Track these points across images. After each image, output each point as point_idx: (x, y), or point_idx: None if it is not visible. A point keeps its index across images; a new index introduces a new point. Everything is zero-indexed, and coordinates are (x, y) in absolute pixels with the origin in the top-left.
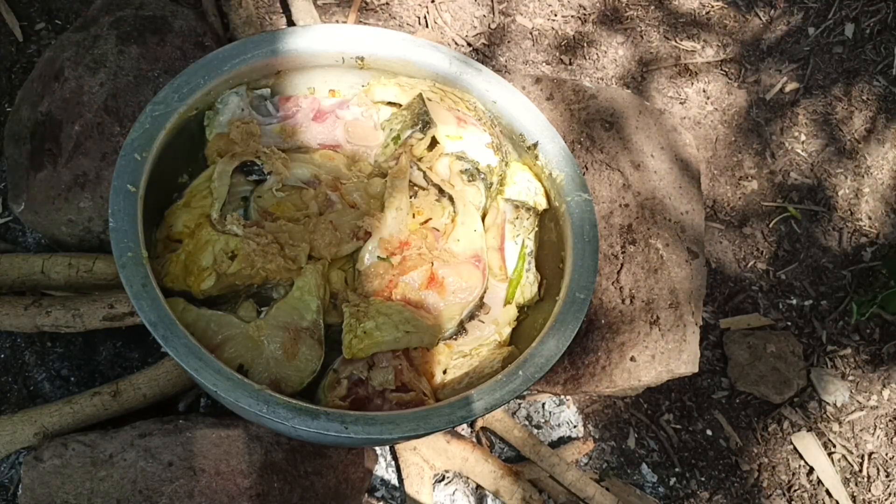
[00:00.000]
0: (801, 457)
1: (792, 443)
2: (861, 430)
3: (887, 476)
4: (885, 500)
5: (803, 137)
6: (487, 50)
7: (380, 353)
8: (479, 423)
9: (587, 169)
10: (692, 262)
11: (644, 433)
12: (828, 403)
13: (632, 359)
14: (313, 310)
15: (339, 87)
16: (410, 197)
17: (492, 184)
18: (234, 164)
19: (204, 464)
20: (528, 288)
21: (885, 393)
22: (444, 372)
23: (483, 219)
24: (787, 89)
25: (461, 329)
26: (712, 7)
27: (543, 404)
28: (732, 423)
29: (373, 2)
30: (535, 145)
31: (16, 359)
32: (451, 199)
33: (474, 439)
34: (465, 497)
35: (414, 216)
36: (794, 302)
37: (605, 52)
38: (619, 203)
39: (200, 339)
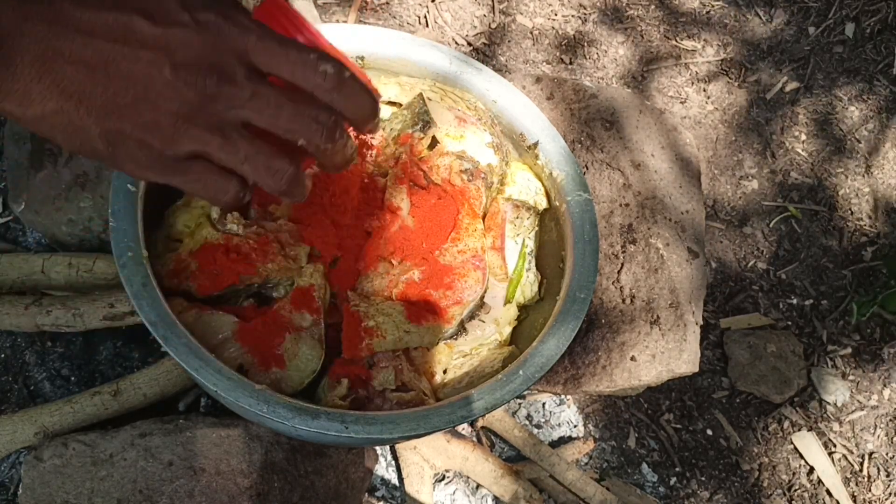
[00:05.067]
0: (801, 456)
1: (792, 442)
2: (861, 430)
3: (888, 476)
4: (886, 499)
5: (804, 137)
6: (488, 49)
7: (380, 353)
8: (480, 423)
9: (587, 168)
10: (692, 262)
11: (644, 433)
12: (828, 403)
13: (632, 358)
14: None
15: None
16: None
17: (492, 183)
18: None
19: (204, 463)
20: (528, 287)
21: (886, 393)
22: (445, 372)
23: (483, 218)
24: (788, 89)
25: (461, 329)
26: (712, 7)
27: (544, 404)
28: (733, 423)
29: (373, 1)
30: (536, 145)
31: (16, 358)
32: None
33: (474, 439)
34: (466, 496)
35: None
36: (795, 301)
37: (606, 52)
38: (619, 202)
39: (200, 338)
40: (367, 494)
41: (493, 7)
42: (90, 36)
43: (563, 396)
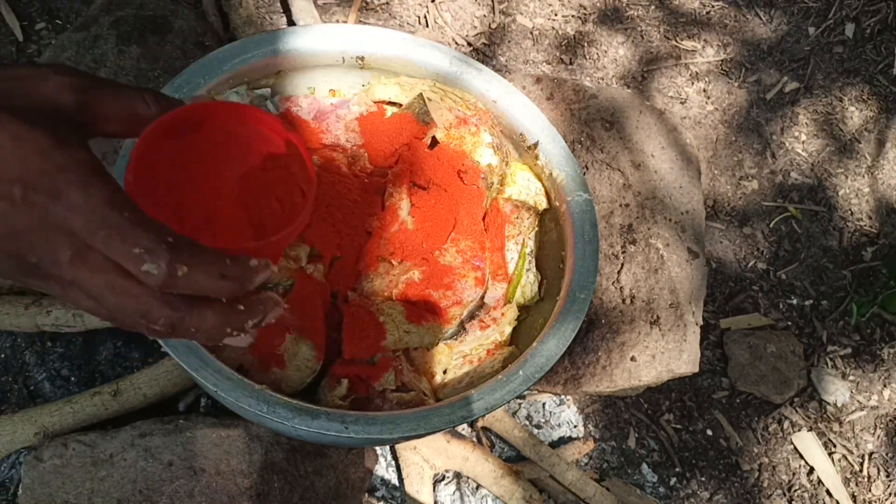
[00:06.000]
0: (801, 457)
1: (792, 443)
2: (861, 430)
3: (888, 476)
4: (886, 500)
5: (804, 137)
6: (488, 50)
7: (380, 353)
8: (480, 423)
9: (587, 169)
10: (692, 262)
11: (644, 433)
12: (828, 403)
13: (632, 359)
14: None
15: (340, 86)
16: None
17: (492, 183)
18: None
19: (204, 464)
20: (528, 288)
21: (886, 393)
22: (445, 372)
23: (483, 219)
24: (788, 89)
25: (461, 329)
26: (712, 7)
27: (544, 404)
28: (733, 423)
29: (373, 1)
30: (536, 145)
31: (16, 359)
32: None
33: (474, 439)
34: (466, 496)
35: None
36: (795, 302)
37: (606, 52)
38: (619, 203)
39: None
40: (367, 494)
41: (493, 7)
42: None
43: (563, 396)
